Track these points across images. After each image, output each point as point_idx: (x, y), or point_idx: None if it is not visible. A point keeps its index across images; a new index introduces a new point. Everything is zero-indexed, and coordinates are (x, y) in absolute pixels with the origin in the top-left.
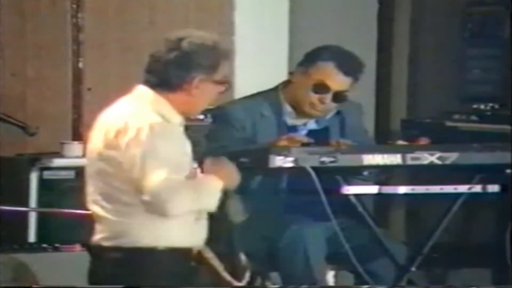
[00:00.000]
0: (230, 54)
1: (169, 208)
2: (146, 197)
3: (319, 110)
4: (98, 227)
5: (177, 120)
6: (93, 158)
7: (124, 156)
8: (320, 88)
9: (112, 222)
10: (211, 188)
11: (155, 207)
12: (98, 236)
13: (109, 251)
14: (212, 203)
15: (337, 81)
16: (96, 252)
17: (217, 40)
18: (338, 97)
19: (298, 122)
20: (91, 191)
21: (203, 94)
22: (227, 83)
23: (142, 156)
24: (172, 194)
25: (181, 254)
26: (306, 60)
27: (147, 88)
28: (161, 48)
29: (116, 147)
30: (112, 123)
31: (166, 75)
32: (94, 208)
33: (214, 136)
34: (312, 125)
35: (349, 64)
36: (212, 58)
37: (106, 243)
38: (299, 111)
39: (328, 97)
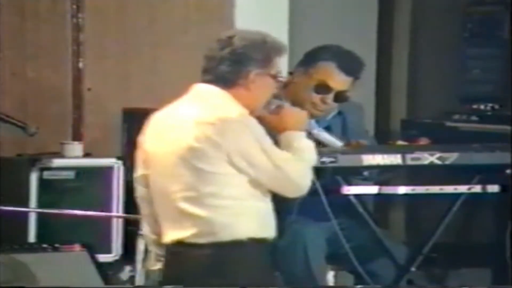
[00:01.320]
0: (283, 49)
1: (305, 183)
2: (283, 182)
3: (321, 110)
4: (185, 224)
5: (246, 111)
6: (179, 157)
7: (232, 150)
8: (322, 88)
9: (205, 219)
10: (305, 145)
11: (292, 186)
12: (188, 233)
13: (203, 247)
14: (313, 156)
15: (339, 81)
16: (186, 249)
17: (266, 36)
18: (340, 97)
19: None
20: (179, 189)
21: (260, 88)
22: (283, 77)
23: (257, 146)
24: (300, 169)
25: (265, 245)
26: (307, 60)
27: (208, 85)
28: (214, 48)
29: (213, 142)
30: (196, 120)
31: (222, 71)
32: (183, 206)
33: None
34: (313, 124)
35: (350, 64)
36: (264, 53)
37: (200, 240)
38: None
39: (330, 97)
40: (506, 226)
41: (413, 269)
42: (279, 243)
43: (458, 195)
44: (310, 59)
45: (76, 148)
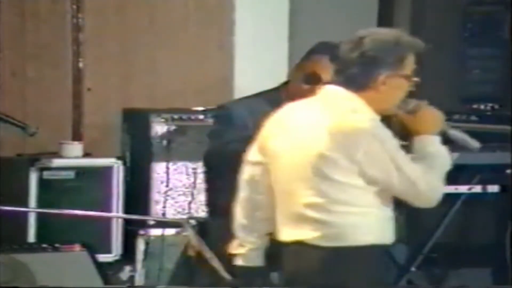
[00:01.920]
0: (418, 47)
1: (436, 195)
2: (413, 195)
3: None
4: (308, 226)
5: (378, 117)
6: (309, 163)
7: (363, 161)
8: (311, 78)
9: (330, 224)
10: (439, 151)
11: (423, 199)
12: (311, 235)
13: (325, 250)
14: (447, 163)
15: (329, 71)
16: (306, 250)
17: (400, 36)
18: None
19: None
20: (306, 193)
21: (392, 90)
22: (417, 76)
23: (388, 158)
24: (431, 181)
25: (384, 251)
26: (304, 56)
27: (338, 87)
28: (345, 49)
29: (345, 153)
30: (328, 127)
31: (352, 74)
32: (308, 210)
33: (217, 135)
34: None
35: None
36: (396, 54)
37: (322, 243)
38: None
39: (319, 87)
40: (506, 226)
41: (413, 269)
42: (279, 243)
43: (458, 195)
44: (307, 54)
45: (76, 148)
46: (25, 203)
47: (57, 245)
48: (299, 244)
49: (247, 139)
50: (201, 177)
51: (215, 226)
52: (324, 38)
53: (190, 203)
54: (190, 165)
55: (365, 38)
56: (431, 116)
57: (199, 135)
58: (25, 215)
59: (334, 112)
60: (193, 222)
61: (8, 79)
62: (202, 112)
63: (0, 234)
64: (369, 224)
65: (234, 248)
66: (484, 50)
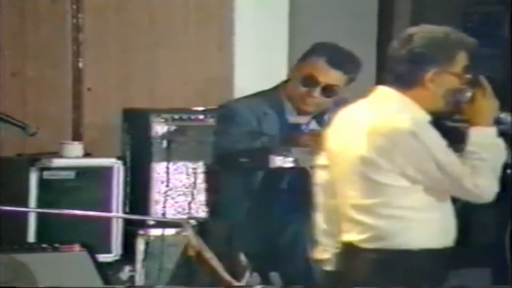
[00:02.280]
0: (470, 44)
1: (487, 193)
2: (462, 193)
3: (308, 103)
4: (356, 228)
5: (425, 116)
6: (352, 164)
7: (404, 162)
8: (309, 80)
9: (375, 226)
10: (493, 144)
11: (473, 197)
12: (358, 237)
13: (373, 252)
14: (502, 155)
15: (326, 74)
16: (356, 251)
17: (449, 32)
18: (327, 90)
19: (301, 120)
20: (351, 195)
21: (441, 88)
22: (468, 73)
23: (430, 158)
24: (480, 179)
25: (439, 255)
26: (301, 57)
27: (389, 88)
28: (395, 46)
29: (385, 154)
30: (369, 128)
31: (400, 71)
32: (353, 212)
33: (221, 133)
34: (314, 125)
35: (341, 59)
36: (446, 50)
37: (369, 245)
38: (296, 108)
39: (317, 90)
40: (506, 226)
41: None
42: (279, 243)
43: None
44: (304, 55)
45: (76, 148)
46: (25, 203)
47: (57, 245)
48: (349, 245)
49: (251, 134)
50: (201, 177)
51: (215, 226)
52: (324, 38)
53: (190, 203)
54: (190, 165)
55: (415, 35)
56: (488, 106)
57: (199, 135)
58: (25, 215)
59: (379, 113)
60: (193, 222)
61: (8, 79)
62: (202, 112)
63: (0, 234)
64: (416, 227)
65: (319, 253)
66: (484, 50)
